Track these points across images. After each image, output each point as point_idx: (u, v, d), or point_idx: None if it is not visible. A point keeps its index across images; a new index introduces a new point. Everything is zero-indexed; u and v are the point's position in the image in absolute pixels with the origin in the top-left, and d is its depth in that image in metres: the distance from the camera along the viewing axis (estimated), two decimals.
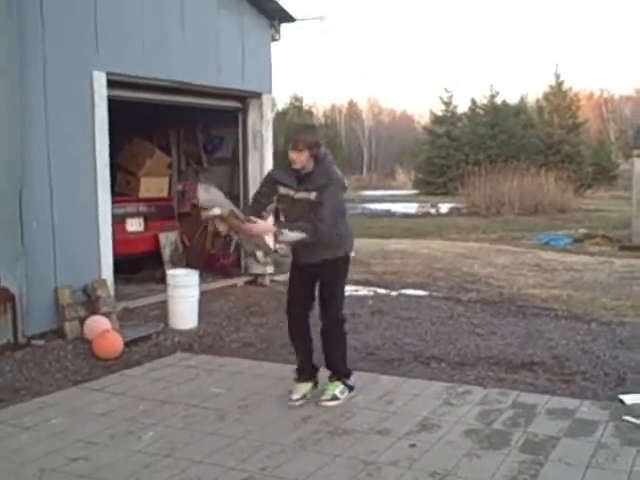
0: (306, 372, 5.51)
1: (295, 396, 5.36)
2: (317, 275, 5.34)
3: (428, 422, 4.98)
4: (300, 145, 4.99)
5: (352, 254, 5.52)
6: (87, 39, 7.61)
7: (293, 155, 5.02)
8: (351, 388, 5.47)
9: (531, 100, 49.96)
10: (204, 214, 5.44)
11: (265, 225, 5.11)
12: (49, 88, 7.20)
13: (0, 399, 5.53)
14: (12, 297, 6.81)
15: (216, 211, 5.28)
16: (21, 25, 6.86)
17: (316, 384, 5.51)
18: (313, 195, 5.01)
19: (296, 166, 5.07)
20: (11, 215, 6.81)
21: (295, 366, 5.63)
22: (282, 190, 5.21)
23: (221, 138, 11.12)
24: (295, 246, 5.23)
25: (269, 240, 5.08)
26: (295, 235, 4.91)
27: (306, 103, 60.21)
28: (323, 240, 5.02)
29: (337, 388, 5.40)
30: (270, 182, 5.39)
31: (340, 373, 5.48)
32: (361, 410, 5.22)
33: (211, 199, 5.55)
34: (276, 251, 5.29)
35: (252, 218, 5.13)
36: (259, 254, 5.17)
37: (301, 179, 5.10)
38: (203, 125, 11.25)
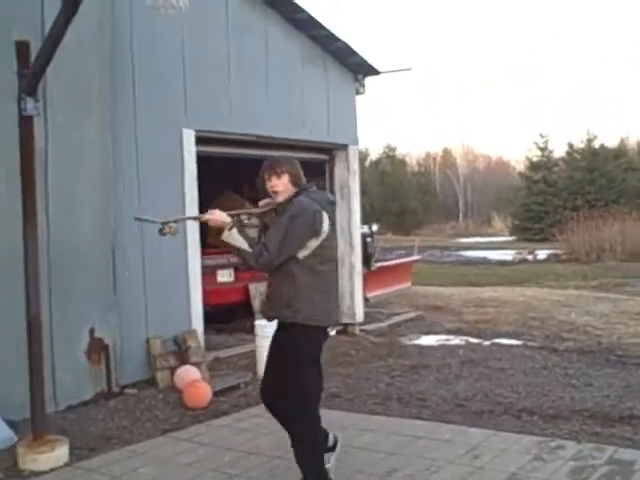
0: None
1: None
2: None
3: (516, 478, 4.79)
4: (277, 169, 4.36)
5: (332, 332, 5.04)
6: (176, 102, 7.94)
7: (272, 182, 4.36)
8: None
9: (632, 142, 48.61)
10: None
11: (220, 215, 4.32)
12: (140, 148, 7.51)
13: (92, 447, 5.67)
14: (106, 347, 7.02)
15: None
16: (115, 92, 7.20)
17: (335, 443, 4.76)
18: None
19: (278, 197, 4.38)
20: (104, 268, 7.06)
21: None
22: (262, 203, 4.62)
23: None
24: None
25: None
26: (238, 241, 4.24)
27: (399, 152, 60.51)
28: (261, 270, 4.45)
29: None
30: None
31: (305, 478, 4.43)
32: (447, 464, 5.07)
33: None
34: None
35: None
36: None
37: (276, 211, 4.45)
38: None
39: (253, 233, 4.40)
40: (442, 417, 6.25)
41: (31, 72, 5.19)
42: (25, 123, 5.32)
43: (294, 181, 4.36)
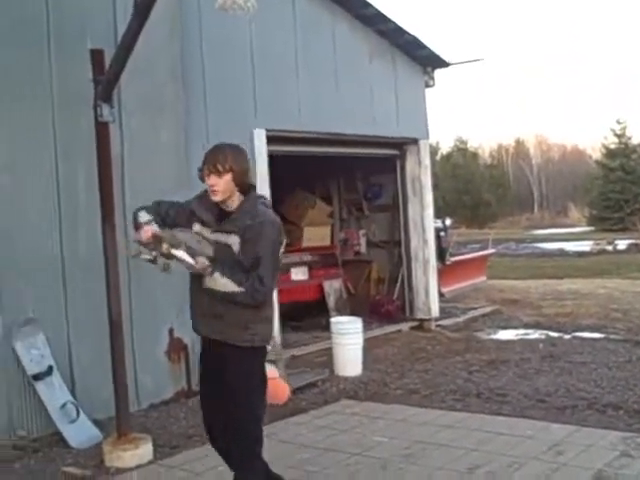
0: None
1: None
2: (222, 371, 3.70)
3: (603, 475, 4.65)
4: (219, 166, 3.55)
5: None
6: (246, 102, 8.04)
7: (212, 179, 3.57)
8: None
9: None
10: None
11: (200, 264, 3.56)
12: None
13: (175, 445, 5.77)
14: (185, 346, 7.13)
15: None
16: (186, 95, 7.31)
17: None
18: (234, 240, 3.57)
19: (216, 196, 3.61)
20: None
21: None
22: (195, 227, 3.71)
23: (380, 185, 11.22)
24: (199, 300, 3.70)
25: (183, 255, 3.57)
26: (225, 284, 3.54)
27: (471, 145, 59.70)
28: (256, 305, 3.62)
29: None
30: (185, 212, 3.80)
31: None
32: (529, 461, 4.96)
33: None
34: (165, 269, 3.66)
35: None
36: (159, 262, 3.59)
37: (221, 217, 3.67)
38: (362, 174, 11.42)
39: (207, 250, 3.62)
40: (523, 413, 6.13)
41: (106, 79, 5.32)
42: (101, 129, 5.45)
43: (238, 181, 3.59)
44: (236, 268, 3.54)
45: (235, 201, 3.64)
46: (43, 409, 5.90)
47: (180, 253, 3.48)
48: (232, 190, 3.60)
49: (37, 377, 5.90)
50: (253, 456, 3.72)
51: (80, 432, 5.87)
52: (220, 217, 3.65)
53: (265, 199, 3.78)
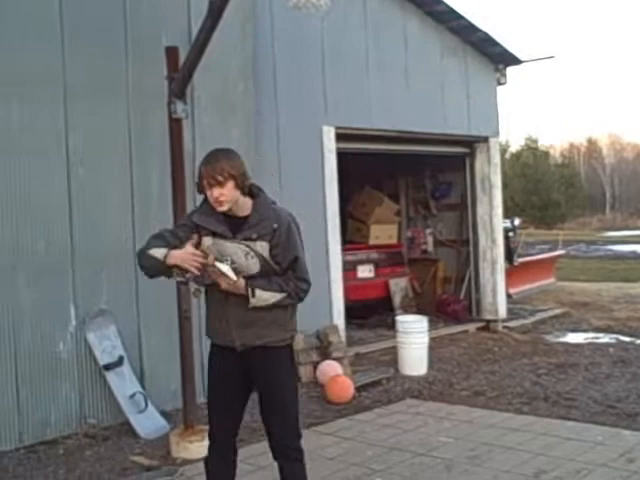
0: None
1: None
2: (252, 373, 3.63)
3: None
4: (219, 176, 3.39)
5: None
6: (316, 100, 8.09)
7: (215, 192, 3.42)
8: None
9: None
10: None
11: (239, 283, 3.43)
12: (282, 147, 7.74)
13: (240, 438, 5.81)
14: None
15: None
16: (257, 92, 7.39)
17: None
18: (262, 246, 3.46)
19: (223, 207, 3.46)
20: None
21: None
22: (208, 242, 3.50)
23: (449, 184, 11.13)
24: (227, 313, 3.56)
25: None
26: (269, 297, 3.47)
27: (542, 143, 58.58)
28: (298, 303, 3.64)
29: None
30: (188, 227, 3.57)
31: None
32: (598, 468, 4.86)
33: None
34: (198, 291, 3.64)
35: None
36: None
37: (237, 226, 3.51)
38: (431, 172, 11.34)
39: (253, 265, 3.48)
40: (592, 418, 6.00)
41: (180, 76, 5.41)
42: (174, 125, 5.55)
43: (240, 184, 3.47)
44: (270, 274, 3.50)
45: (242, 206, 3.52)
46: (113, 399, 6.05)
47: (225, 268, 3.37)
48: (237, 196, 3.48)
49: (108, 367, 6.05)
50: (300, 437, 3.76)
51: (148, 422, 6.00)
52: (233, 226, 3.51)
53: (271, 199, 3.67)
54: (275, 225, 3.48)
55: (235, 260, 3.40)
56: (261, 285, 3.46)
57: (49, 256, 5.85)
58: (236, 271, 3.38)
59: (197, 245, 3.47)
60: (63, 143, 5.96)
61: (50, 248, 5.86)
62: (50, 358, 5.84)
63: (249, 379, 3.66)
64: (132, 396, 6.06)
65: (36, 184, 5.80)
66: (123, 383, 6.11)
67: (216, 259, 3.36)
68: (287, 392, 3.66)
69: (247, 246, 3.44)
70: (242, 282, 3.42)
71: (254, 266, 3.45)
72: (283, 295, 3.50)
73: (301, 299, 3.59)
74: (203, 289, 3.54)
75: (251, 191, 3.56)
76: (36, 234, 5.79)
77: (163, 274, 3.51)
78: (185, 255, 3.40)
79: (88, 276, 6.04)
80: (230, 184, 3.42)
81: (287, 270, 3.52)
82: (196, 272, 3.40)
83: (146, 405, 6.07)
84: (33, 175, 5.78)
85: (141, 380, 6.28)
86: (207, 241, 3.51)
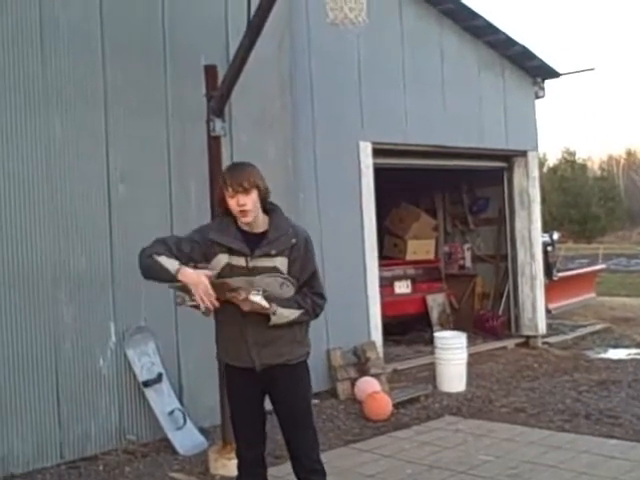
0: None
1: None
2: (270, 391, 3.63)
3: None
4: (245, 183, 3.37)
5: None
6: (353, 115, 8.09)
7: (241, 199, 3.37)
8: None
9: None
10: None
11: (261, 304, 3.35)
12: (319, 162, 7.75)
13: (278, 455, 5.80)
14: None
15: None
16: (294, 108, 7.43)
17: None
18: (281, 262, 3.42)
19: (248, 217, 3.41)
20: None
21: None
22: (224, 259, 3.44)
23: (486, 198, 11.04)
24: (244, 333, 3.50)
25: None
26: (289, 314, 3.43)
27: (579, 156, 57.91)
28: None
29: None
30: (202, 243, 3.48)
31: None
32: None
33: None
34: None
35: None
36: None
37: (254, 242, 3.44)
38: (468, 186, 11.27)
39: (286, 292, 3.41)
40: (637, 436, 5.88)
41: (219, 94, 5.46)
42: (213, 143, 5.59)
43: (263, 196, 3.46)
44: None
45: (260, 221, 3.48)
46: (152, 415, 6.08)
47: (258, 298, 3.32)
48: (258, 208, 3.45)
49: (147, 384, 6.08)
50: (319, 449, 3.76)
51: (186, 439, 6.02)
52: (250, 242, 3.44)
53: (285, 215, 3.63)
54: (294, 240, 3.45)
55: (267, 289, 3.34)
56: (281, 303, 3.41)
57: (90, 272, 5.92)
58: (268, 299, 3.35)
59: (210, 278, 3.35)
60: (104, 159, 6.04)
61: (91, 264, 5.93)
62: (90, 374, 5.89)
63: (268, 395, 3.66)
64: (171, 413, 6.09)
65: (77, 200, 5.88)
66: (162, 399, 6.14)
67: (247, 291, 3.29)
68: (307, 408, 3.67)
69: (284, 278, 3.38)
70: (267, 305, 3.36)
71: (288, 294, 3.42)
72: (301, 312, 3.46)
73: (317, 315, 3.57)
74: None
75: (269, 203, 3.54)
76: (77, 250, 5.86)
77: (164, 282, 3.45)
78: (200, 284, 3.28)
79: (128, 292, 6.09)
80: (254, 194, 3.40)
81: (302, 287, 3.50)
82: (207, 306, 3.30)
83: (185, 422, 6.09)
84: (74, 191, 5.86)
85: (180, 397, 6.31)
86: (223, 259, 3.45)
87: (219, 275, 3.43)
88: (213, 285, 3.31)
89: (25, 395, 5.56)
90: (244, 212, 3.40)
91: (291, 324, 3.48)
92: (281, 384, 3.57)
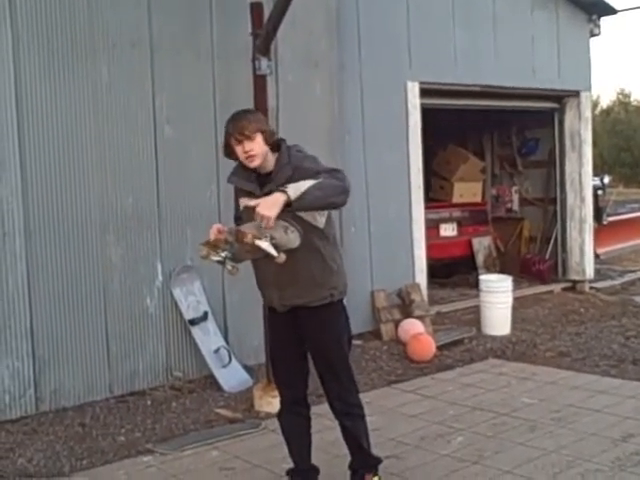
0: (302, 476, 3.95)
1: None
2: (302, 334, 3.67)
3: None
4: (247, 131, 3.39)
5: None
6: (400, 55, 7.94)
7: (247, 146, 3.41)
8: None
9: None
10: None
11: (268, 251, 3.25)
12: (365, 103, 7.63)
13: (321, 394, 5.88)
14: None
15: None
16: (340, 48, 7.30)
17: None
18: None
19: (255, 161, 3.44)
20: None
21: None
22: (244, 202, 3.51)
23: (536, 140, 10.80)
24: (269, 274, 3.56)
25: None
26: (302, 187, 3.21)
27: (635, 98, 56.19)
28: (344, 201, 3.35)
29: None
30: (234, 189, 3.71)
31: (371, 466, 3.94)
32: None
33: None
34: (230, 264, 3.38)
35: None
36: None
37: (263, 182, 3.49)
38: (517, 128, 11.03)
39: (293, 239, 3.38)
40: None
41: (264, 32, 5.38)
42: (258, 82, 5.54)
43: (268, 138, 3.48)
44: (309, 233, 3.45)
45: (270, 162, 3.48)
46: (198, 353, 6.19)
47: (265, 245, 3.28)
48: (266, 151, 3.46)
49: (193, 322, 6.18)
50: (358, 393, 3.81)
51: (231, 376, 6.13)
52: (261, 182, 3.48)
53: (298, 146, 3.56)
54: (289, 173, 3.38)
55: (275, 236, 3.29)
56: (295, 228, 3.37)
57: (136, 213, 5.98)
58: (276, 247, 3.30)
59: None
60: (150, 102, 6.03)
61: (137, 205, 5.98)
62: (138, 313, 6.00)
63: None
64: (216, 350, 6.19)
65: (124, 143, 5.90)
66: (208, 338, 6.24)
67: (255, 236, 3.26)
68: (338, 351, 3.66)
69: (285, 220, 3.31)
70: (283, 257, 3.29)
71: (295, 240, 3.39)
72: (319, 181, 3.23)
73: (344, 183, 3.31)
74: (239, 266, 3.41)
75: (277, 143, 3.53)
76: (124, 191, 5.91)
77: None
78: (212, 230, 3.35)
79: (173, 232, 6.15)
80: (259, 138, 3.42)
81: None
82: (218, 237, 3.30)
83: (230, 359, 6.19)
84: (121, 134, 5.89)
85: (225, 335, 6.41)
86: (243, 202, 3.51)
87: (241, 218, 3.55)
88: (230, 233, 3.33)
89: (75, 333, 5.70)
90: (251, 157, 3.43)
91: (306, 264, 3.46)
92: (307, 326, 3.62)
